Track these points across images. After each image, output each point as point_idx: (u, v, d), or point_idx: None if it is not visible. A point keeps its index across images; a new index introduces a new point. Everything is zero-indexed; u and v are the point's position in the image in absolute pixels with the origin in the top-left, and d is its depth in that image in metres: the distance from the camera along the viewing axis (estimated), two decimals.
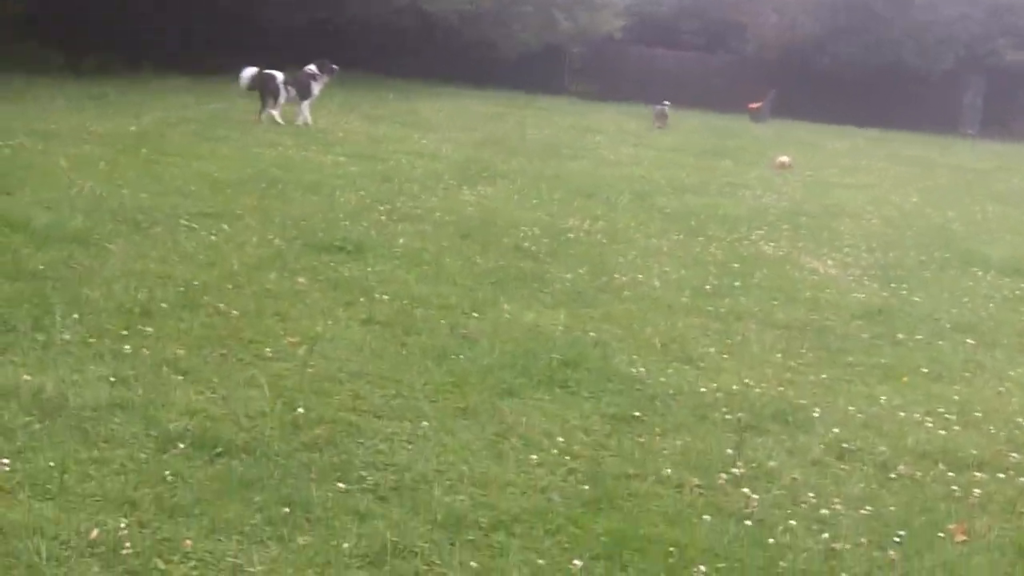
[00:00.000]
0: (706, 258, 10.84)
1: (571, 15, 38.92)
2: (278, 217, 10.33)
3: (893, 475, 5.55)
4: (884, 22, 39.11)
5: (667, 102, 27.26)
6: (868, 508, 5.10)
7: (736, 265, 10.55)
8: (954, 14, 39.77)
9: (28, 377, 5.51)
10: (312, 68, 18.90)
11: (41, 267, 7.62)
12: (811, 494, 5.20)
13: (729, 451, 5.63)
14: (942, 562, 4.62)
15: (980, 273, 11.39)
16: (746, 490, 5.15)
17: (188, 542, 4.15)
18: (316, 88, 18.88)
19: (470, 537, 4.48)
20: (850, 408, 6.53)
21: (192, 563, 4.06)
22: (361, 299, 7.86)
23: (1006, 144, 34.19)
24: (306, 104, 18.67)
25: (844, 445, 5.88)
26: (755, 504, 5.03)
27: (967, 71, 40.98)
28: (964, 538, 4.85)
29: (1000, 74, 40.47)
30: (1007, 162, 26.98)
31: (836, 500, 5.16)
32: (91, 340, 6.24)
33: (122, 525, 4.20)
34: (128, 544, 4.08)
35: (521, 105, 29.09)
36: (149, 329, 6.54)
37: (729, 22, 43.36)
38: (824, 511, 5.02)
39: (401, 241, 9.95)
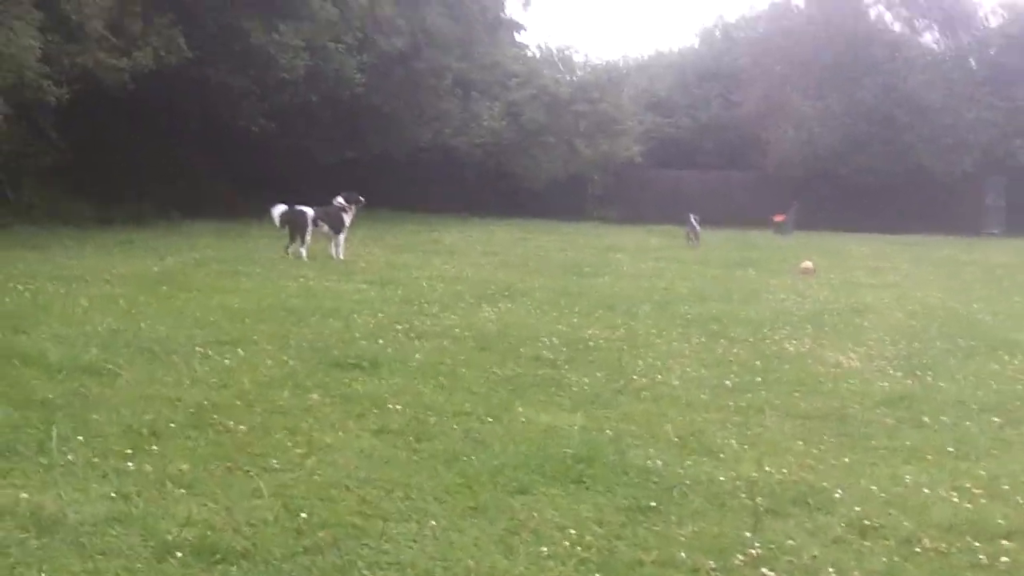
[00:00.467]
0: (727, 358, 10.69)
1: (592, 143, 39.53)
2: (294, 340, 10.31)
3: (918, 549, 5.35)
4: (902, 129, 39.38)
5: (695, 215, 27.16)
6: None
7: (758, 363, 10.40)
8: (971, 118, 40.00)
9: (27, 496, 5.45)
10: (341, 200, 19.11)
11: (51, 396, 7.60)
12: (831, 570, 5.01)
13: (747, 534, 5.45)
14: None
15: (1007, 358, 11.15)
16: (764, 570, 4.98)
17: None
18: (348, 220, 19.07)
19: None
20: (873, 488, 6.33)
21: None
22: (374, 411, 7.77)
23: None
24: (341, 238, 18.87)
25: (866, 522, 5.68)
26: None
27: (987, 173, 41.09)
28: None
29: (1021, 173, 40.50)
30: None
31: (857, 575, 4.95)
32: (95, 460, 6.19)
33: None
34: None
35: (544, 231, 29.29)
36: (155, 448, 6.48)
37: (748, 139, 43.77)
38: None
39: (418, 356, 9.88)
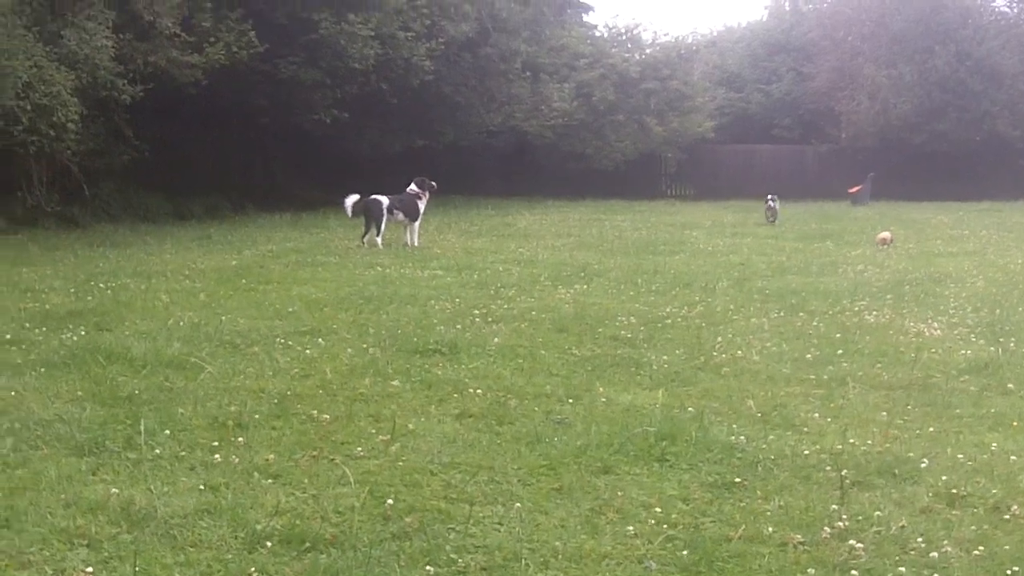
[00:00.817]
0: (807, 331, 10.60)
1: (663, 121, 39.30)
2: (373, 328, 10.40)
3: (1007, 516, 5.28)
4: (976, 96, 38.69)
5: (772, 196, 26.65)
6: (981, 548, 4.85)
7: (838, 335, 10.30)
8: None
9: (117, 491, 5.55)
10: (414, 188, 19.15)
11: (136, 392, 7.73)
12: (920, 540, 4.96)
13: (834, 507, 5.41)
14: None
15: None
16: (852, 542, 4.94)
17: None
18: (422, 207, 19.15)
19: None
20: (959, 456, 6.26)
21: None
22: (455, 395, 7.82)
23: None
24: (416, 225, 18.97)
25: (954, 491, 5.62)
26: (861, 554, 4.81)
27: None
28: None
29: None
30: None
31: (946, 544, 4.91)
32: (182, 454, 6.29)
33: None
34: None
35: (618, 211, 29.22)
36: (241, 439, 6.57)
37: (821, 112, 43.26)
38: (934, 555, 4.79)
39: (496, 340, 9.92)
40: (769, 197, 26.21)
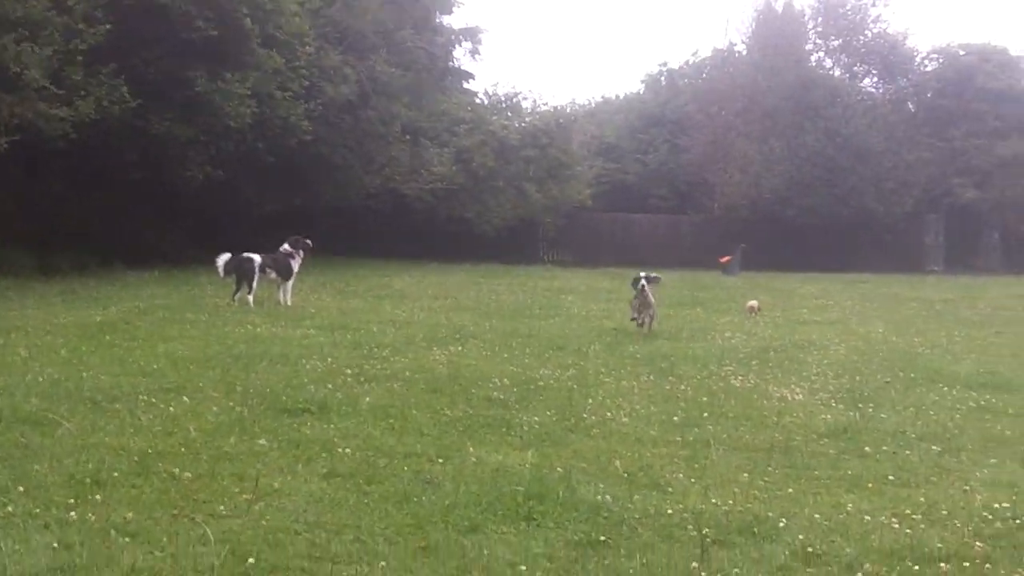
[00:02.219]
0: (675, 395, 10.78)
1: (542, 188, 39.72)
2: (241, 387, 10.23)
3: (859, 574, 5.42)
4: (844, 172, 40.08)
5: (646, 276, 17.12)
6: None
7: (705, 399, 10.50)
8: (911, 159, 40.83)
9: None
10: (287, 247, 18.95)
11: None
12: None
13: (694, 564, 5.50)
14: None
15: (946, 388, 11.38)
16: None
17: None
18: (295, 266, 18.95)
19: None
20: (816, 516, 6.42)
21: None
22: (323, 455, 7.73)
23: (971, 278, 34.71)
24: (289, 284, 18.74)
25: (810, 550, 5.76)
26: None
27: (927, 212, 41.98)
28: None
29: (958, 213, 41.44)
30: (972, 292, 27.43)
31: None
32: (36, 511, 6.10)
33: None
34: None
35: (496, 275, 29.34)
36: (98, 497, 6.41)
37: (696, 183, 44.38)
38: None
39: (367, 400, 9.85)
40: (642, 277, 16.65)
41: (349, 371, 11.39)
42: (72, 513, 6.06)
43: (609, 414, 9.60)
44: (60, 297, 18.76)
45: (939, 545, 5.86)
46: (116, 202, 27.88)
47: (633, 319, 16.29)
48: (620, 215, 44.26)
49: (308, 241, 19.34)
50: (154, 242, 28.47)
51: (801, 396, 10.85)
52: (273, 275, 18.60)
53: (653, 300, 16.10)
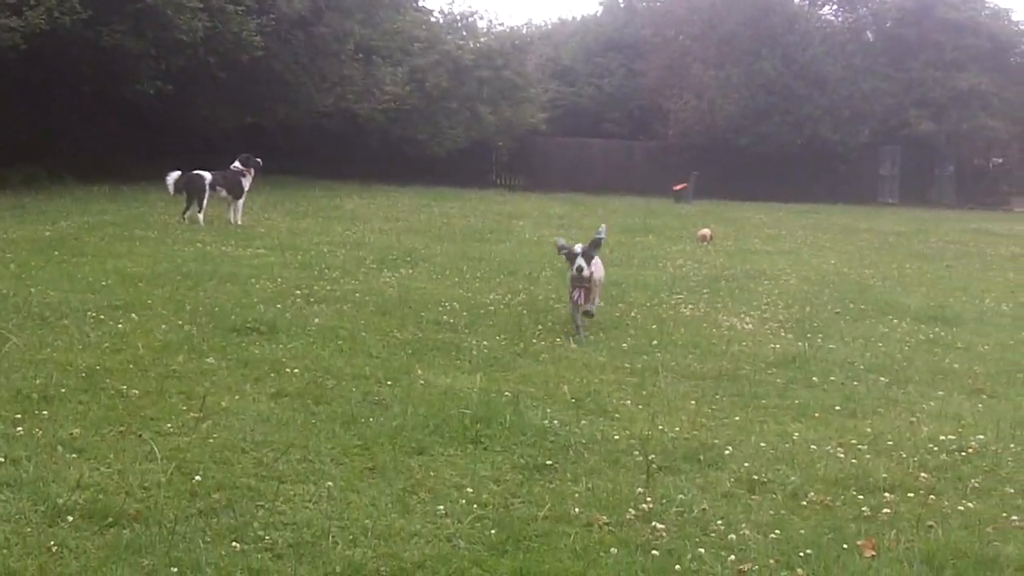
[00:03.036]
0: (625, 321, 10.84)
1: (496, 110, 39.44)
2: (190, 305, 10.17)
3: (804, 502, 5.51)
4: (800, 100, 40.04)
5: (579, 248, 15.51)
6: (777, 532, 5.04)
7: (654, 326, 10.56)
8: (868, 89, 40.84)
9: None
10: (238, 165, 18.72)
11: None
12: (720, 523, 5.14)
13: (639, 490, 5.55)
14: (849, 575, 4.56)
15: (896, 321, 11.51)
16: (655, 523, 5.08)
17: None
18: (246, 184, 18.74)
19: None
20: (762, 444, 6.50)
21: None
22: (271, 374, 7.73)
23: (925, 210, 34.98)
24: (240, 203, 18.55)
25: (755, 477, 5.83)
26: (663, 535, 4.95)
27: (883, 143, 42.08)
28: (873, 553, 4.79)
29: (914, 144, 41.55)
30: (925, 225, 27.69)
31: (744, 527, 5.10)
32: None
33: None
34: None
35: (448, 198, 29.21)
36: (45, 413, 6.38)
37: (651, 109, 44.23)
38: (732, 537, 4.97)
39: (317, 321, 9.83)
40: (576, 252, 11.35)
41: (299, 292, 11.34)
42: (19, 428, 6.04)
43: (558, 340, 9.64)
44: (9, 212, 18.47)
45: (884, 475, 5.95)
46: (67, 116, 27.43)
47: (576, 304, 10.27)
48: (573, 140, 44.10)
49: (259, 160, 19.13)
50: (104, 158, 28.04)
51: (751, 325, 10.95)
52: (224, 193, 18.40)
53: (597, 273, 10.54)
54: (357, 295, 11.38)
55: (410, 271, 13.66)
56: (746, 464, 6.05)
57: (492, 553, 4.71)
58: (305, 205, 23.51)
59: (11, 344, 8.02)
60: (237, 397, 7.06)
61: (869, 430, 6.97)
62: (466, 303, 11.28)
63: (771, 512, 5.34)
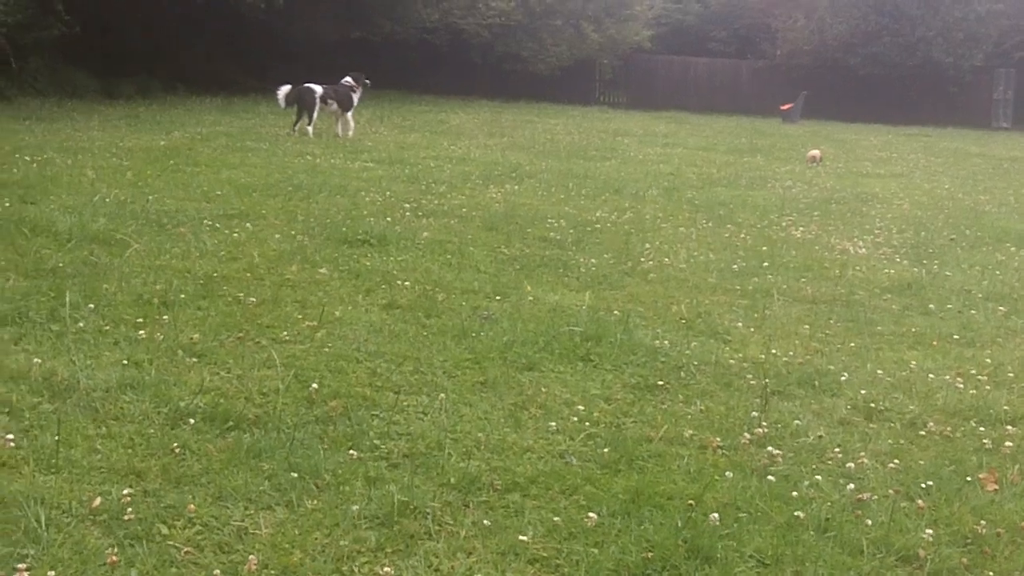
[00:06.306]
0: (734, 242, 10.69)
1: (600, 27, 38.87)
2: (302, 216, 10.29)
3: (923, 432, 5.41)
4: (913, 21, 38.79)
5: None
6: (896, 462, 4.96)
7: (764, 248, 10.41)
8: (982, 11, 39.42)
9: (39, 361, 5.48)
10: (349, 80, 18.84)
11: (61, 265, 7.62)
12: (837, 450, 5.07)
13: (754, 413, 5.50)
14: (971, 508, 4.48)
15: (1013, 249, 11.20)
16: (770, 448, 5.03)
17: (192, 507, 4.07)
18: (355, 99, 18.87)
19: (483, 498, 4.38)
20: (878, 372, 6.38)
21: (196, 527, 3.97)
22: (382, 286, 7.79)
23: None
24: (349, 115, 18.68)
25: (872, 405, 5.74)
26: (779, 460, 4.90)
27: (997, 66, 40.65)
28: (995, 487, 4.69)
29: None
30: None
31: (863, 455, 5.02)
32: (106, 328, 6.21)
33: (126, 493, 4.14)
34: (131, 511, 4.01)
35: (551, 115, 29.07)
36: (166, 318, 6.50)
37: (758, 27, 43.16)
38: (850, 465, 4.89)
39: (425, 234, 9.88)
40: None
41: (407, 205, 11.40)
42: (141, 332, 6.17)
43: (667, 259, 9.55)
44: (124, 121, 18.83)
45: (1005, 408, 5.81)
46: (181, 28, 27.70)
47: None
48: (679, 58, 43.27)
49: (368, 80, 19.25)
50: (217, 69, 28.37)
51: (864, 250, 10.73)
52: (334, 106, 18.52)
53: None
54: (464, 210, 11.39)
55: (515, 187, 13.62)
56: (862, 391, 5.96)
57: (605, 472, 4.71)
58: (411, 120, 23.56)
59: (132, 250, 8.19)
60: (350, 308, 7.13)
61: (988, 360, 6.80)
62: (572, 220, 11.23)
63: (889, 441, 5.25)
